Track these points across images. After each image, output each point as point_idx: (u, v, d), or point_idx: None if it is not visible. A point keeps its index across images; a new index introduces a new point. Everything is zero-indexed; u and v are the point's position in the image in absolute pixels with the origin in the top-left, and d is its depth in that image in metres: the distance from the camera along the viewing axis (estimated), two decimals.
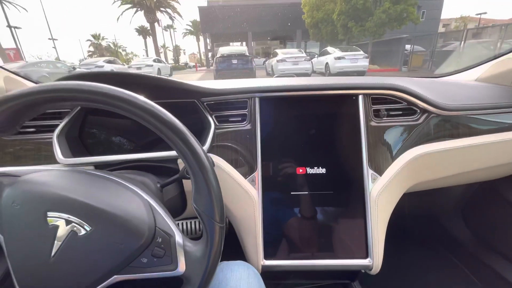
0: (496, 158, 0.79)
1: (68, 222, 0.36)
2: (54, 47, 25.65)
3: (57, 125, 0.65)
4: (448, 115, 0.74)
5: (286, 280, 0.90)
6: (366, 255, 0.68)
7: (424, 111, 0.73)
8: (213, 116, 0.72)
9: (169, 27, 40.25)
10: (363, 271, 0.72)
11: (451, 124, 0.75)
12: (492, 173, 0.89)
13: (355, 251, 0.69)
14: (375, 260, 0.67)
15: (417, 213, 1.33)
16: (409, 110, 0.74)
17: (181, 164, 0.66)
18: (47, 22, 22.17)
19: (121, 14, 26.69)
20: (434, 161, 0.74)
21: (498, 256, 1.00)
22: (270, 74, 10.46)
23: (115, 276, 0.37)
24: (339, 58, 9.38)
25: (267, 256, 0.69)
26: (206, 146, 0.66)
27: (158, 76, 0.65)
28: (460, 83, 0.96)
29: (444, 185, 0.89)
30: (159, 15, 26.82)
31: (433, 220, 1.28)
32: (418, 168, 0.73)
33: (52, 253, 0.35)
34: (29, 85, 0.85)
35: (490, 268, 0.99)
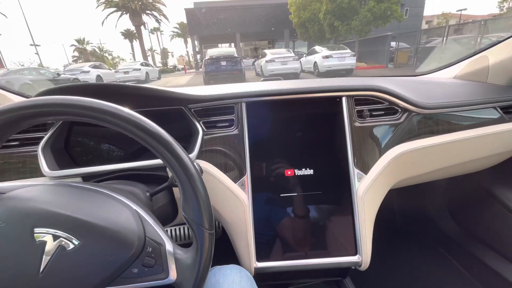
0: (474, 152, 0.83)
1: (55, 237, 0.36)
2: (37, 53, 24.95)
3: (41, 138, 0.64)
4: (427, 113, 0.77)
5: (279, 281, 0.91)
6: (355, 252, 0.71)
7: (404, 110, 0.76)
8: (200, 122, 0.72)
9: (155, 30, 39.74)
10: (353, 267, 0.74)
11: (431, 121, 0.78)
12: (472, 166, 0.93)
13: (345, 249, 0.71)
14: (363, 256, 0.70)
15: (405, 209, 1.37)
16: (391, 109, 0.76)
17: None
18: (28, 28, 21.49)
19: (106, 18, 26.23)
20: (416, 157, 0.77)
21: (484, 246, 1.03)
22: (260, 74, 10.49)
23: None
24: (327, 57, 9.49)
25: (259, 258, 0.70)
26: (194, 153, 0.66)
27: (145, 86, 0.65)
28: (438, 81, 1.00)
29: (427, 180, 0.92)
30: (145, 18, 26.48)
31: (421, 216, 1.32)
32: (401, 165, 0.76)
33: (41, 269, 0.35)
34: (14, 98, 0.83)
35: (477, 258, 1.03)
